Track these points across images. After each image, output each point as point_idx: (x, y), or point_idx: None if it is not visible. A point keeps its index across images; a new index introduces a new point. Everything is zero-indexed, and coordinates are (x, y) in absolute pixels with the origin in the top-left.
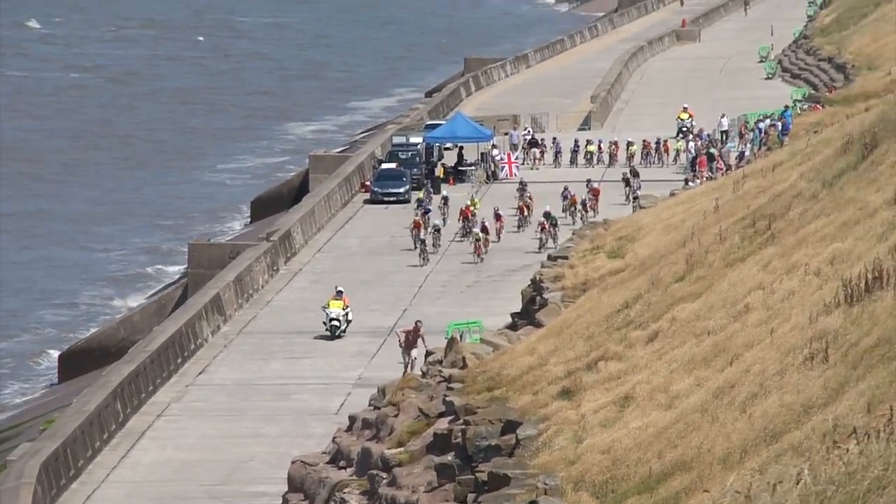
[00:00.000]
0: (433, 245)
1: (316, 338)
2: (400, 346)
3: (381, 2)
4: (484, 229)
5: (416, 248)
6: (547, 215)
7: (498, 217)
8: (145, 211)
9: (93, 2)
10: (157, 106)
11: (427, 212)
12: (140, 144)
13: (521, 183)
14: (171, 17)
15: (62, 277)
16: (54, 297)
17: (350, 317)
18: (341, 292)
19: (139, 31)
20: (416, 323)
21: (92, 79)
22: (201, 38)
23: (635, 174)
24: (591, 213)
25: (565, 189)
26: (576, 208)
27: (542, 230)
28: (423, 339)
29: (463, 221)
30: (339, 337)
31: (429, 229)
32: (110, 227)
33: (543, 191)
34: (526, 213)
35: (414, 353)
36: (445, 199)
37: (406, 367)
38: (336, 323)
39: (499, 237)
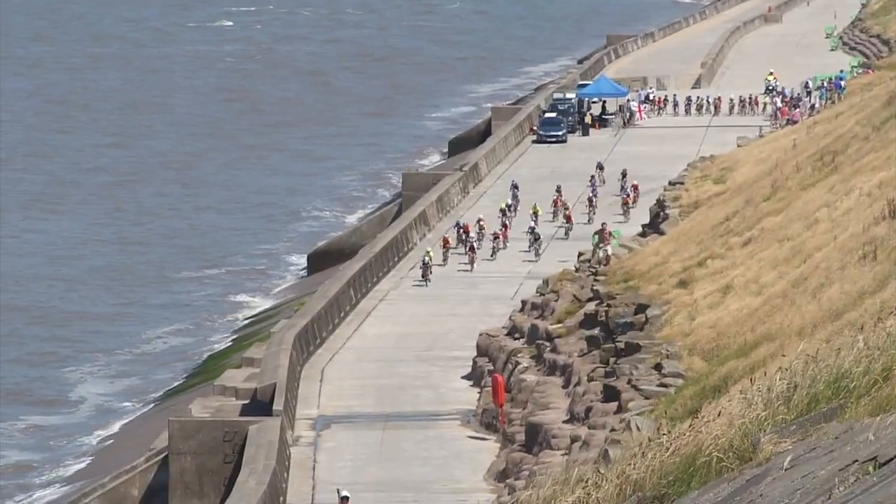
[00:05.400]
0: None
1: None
2: (596, 246)
3: None
4: (472, 248)
5: (421, 264)
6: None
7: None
8: (370, 147)
9: None
10: (384, 66)
11: (459, 227)
12: (367, 96)
13: (557, 187)
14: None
15: (307, 198)
16: (302, 212)
17: None
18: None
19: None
20: (602, 224)
21: (330, 48)
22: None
23: (601, 167)
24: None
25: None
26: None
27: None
28: (611, 235)
29: (465, 236)
30: None
31: (455, 242)
32: (344, 158)
33: (662, 135)
34: (559, 211)
35: (608, 248)
36: (516, 185)
37: (601, 258)
38: None
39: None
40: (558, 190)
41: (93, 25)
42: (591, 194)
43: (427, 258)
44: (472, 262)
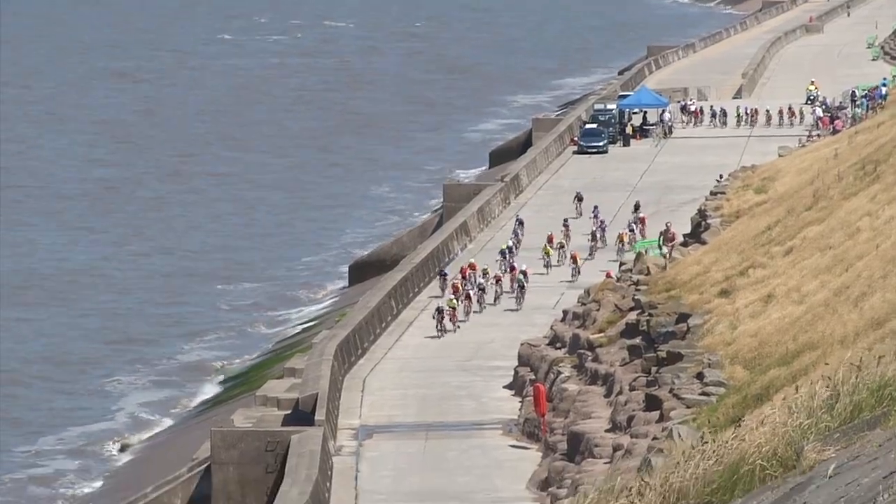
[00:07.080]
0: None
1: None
2: (659, 246)
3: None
4: (468, 297)
5: (437, 316)
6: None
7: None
8: (413, 160)
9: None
10: (439, 77)
11: (444, 275)
12: (414, 107)
13: (564, 221)
14: (427, 27)
15: (349, 208)
16: (346, 225)
17: None
18: None
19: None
20: (666, 223)
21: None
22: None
23: (580, 198)
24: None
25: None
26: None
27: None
28: (675, 236)
29: (462, 280)
30: None
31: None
32: (386, 169)
33: (703, 145)
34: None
35: (668, 250)
36: (521, 221)
37: (666, 257)
38: None
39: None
40: (565, 224)
41: (159, 38)
42: (594, 228)
43: (443, 304)
44: (467, 312)
